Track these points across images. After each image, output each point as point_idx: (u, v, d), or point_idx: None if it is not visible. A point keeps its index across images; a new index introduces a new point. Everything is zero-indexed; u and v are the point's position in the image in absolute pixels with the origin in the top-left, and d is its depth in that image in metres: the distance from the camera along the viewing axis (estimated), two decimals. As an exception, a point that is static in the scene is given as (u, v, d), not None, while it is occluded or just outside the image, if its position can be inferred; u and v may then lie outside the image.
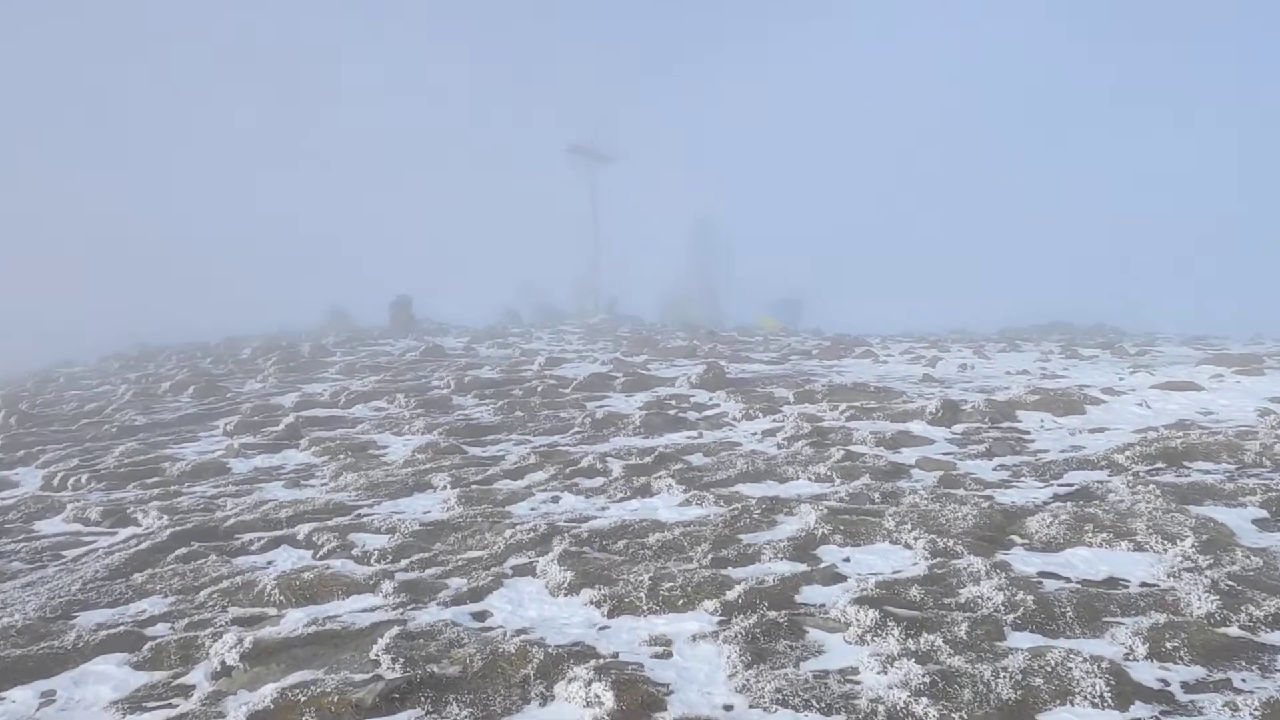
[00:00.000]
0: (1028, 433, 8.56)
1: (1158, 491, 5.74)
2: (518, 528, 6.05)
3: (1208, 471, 6.44)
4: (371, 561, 5.69)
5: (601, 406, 11.68)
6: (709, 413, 10.81)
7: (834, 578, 4.82)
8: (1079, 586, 4.41)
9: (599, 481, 7.42)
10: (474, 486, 7.44)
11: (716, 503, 6.40)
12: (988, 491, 6.29)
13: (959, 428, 8.79)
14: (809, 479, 7.02)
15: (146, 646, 4.51)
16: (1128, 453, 6.91)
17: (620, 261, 63.61)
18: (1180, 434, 7.38)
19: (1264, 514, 5.38)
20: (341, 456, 9.23)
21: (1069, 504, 5.68)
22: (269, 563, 5.85)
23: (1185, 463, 6.70)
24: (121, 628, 4.81)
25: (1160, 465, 6.66)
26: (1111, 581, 4.48)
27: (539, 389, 13.03)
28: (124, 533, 6.90)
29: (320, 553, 5.95)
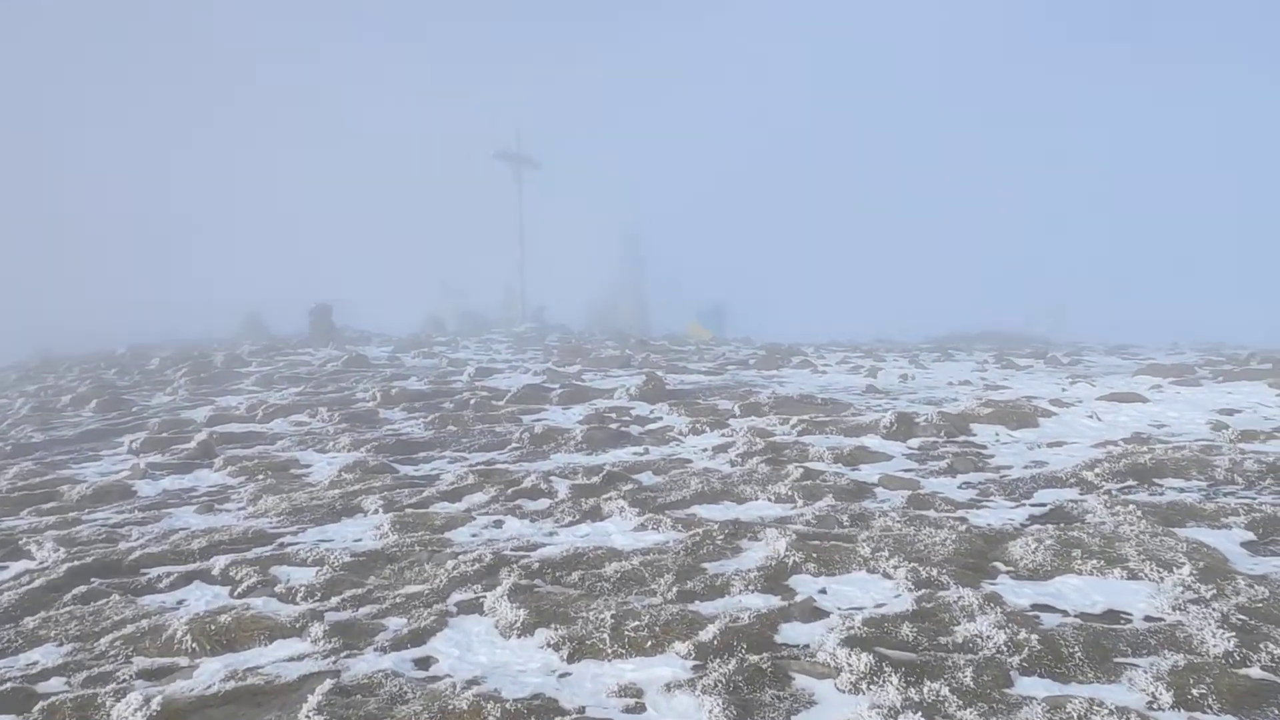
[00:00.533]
0: (985, 447, 8.34)
1: (1139, 513, 5.50)
2: (460, 558, 5.55)
3: (1182, 490, 6.25)
4: (298, 599, 5.13)
5: (539, 420, 11.19)
6: (652, 427, 10.40)
7: (814, 613, 4.44)
8: (1080, 622, 4.10)
9: (544, 504, 6.95)
10: (409, 510, 6.90)
11: (674, 527, 5.99)
12: (960, 513, 5.99)
13: (915, 442, 8.54)
14: (769, 499, 6.65)
15: (37, 708, 3.90)
16: (1097, 469, 6.70)
17: (546, 269, 63.02)
18: (1146, 449, 7.22)
19: (1251, 536, 5.17)
20: (260, 477, 8.59)
21: (1050, 526, 5.40)
22: (180, 602, 5.25)
23: (1156, 480, 6.50)
24: (8, 684, 4.19)
25: (1132, 483, 6.45)
26: (1113, 615, 4.18)
27: (471, 401, 12.49)
28: (15, 567, 6.18)
29: (239, 590, 5.36)
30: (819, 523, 5.86)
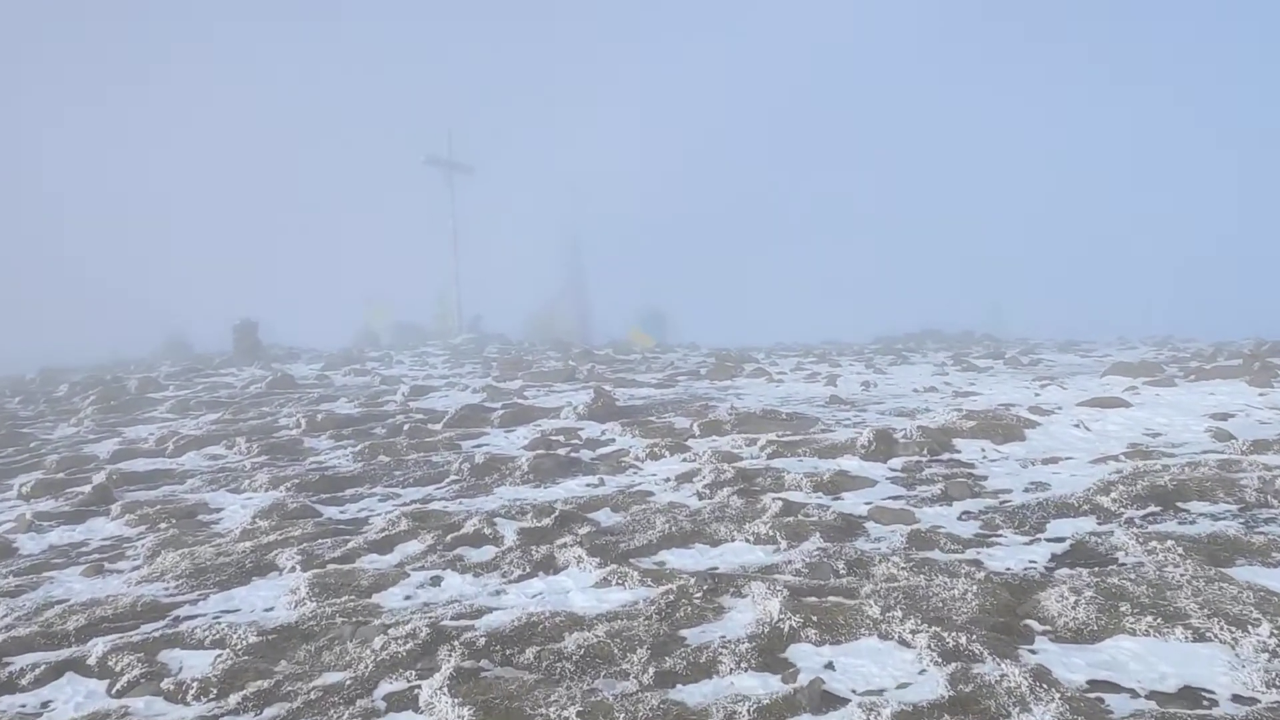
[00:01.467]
0: (974, 466, 7.66)
1: (1179, 549, 4.81)
2: (391, 632, 4.66)
3: (1214, 517, 5.59)
4: (189, 698, 4.20)
5: (480, 446, 10.29)
6: (605, 450, 9.57)
7: (826, 700, 3.65)
8: (1157, 708, 3.36)
9: (489, 553, 6.07)
10: (331, 567, 5.97)
11: (643, 581, 5.16)
12: (971, 553, 5.26)
13: (897, 462, 7.83)
14: (748, 540, 5.86)
15: None
16: (1113, 494, 6.02)
17: (483, 276, 61.79)
18: (1160, 467, 6.59)
19: (1315, 576, 4.51)
20: (163, 526, 7.57)
21: (1082, 571, 4.68)
22: (44, 705, 4.29)
23: (1180, 504, 5.85)
24: None
25: (1155, 508, 5.79)
26: (1192, 695, 3.46)
27: (405, 426, 11.52)
28: None
29: (119, 685, 4.41)
30: (811, 572, 5.07)
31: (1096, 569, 4.70)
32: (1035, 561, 4.99)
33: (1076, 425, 9.05)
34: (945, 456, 8.04)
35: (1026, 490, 6.68)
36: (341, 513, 7.70)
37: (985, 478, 7.18)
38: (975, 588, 4.48)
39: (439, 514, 7.08)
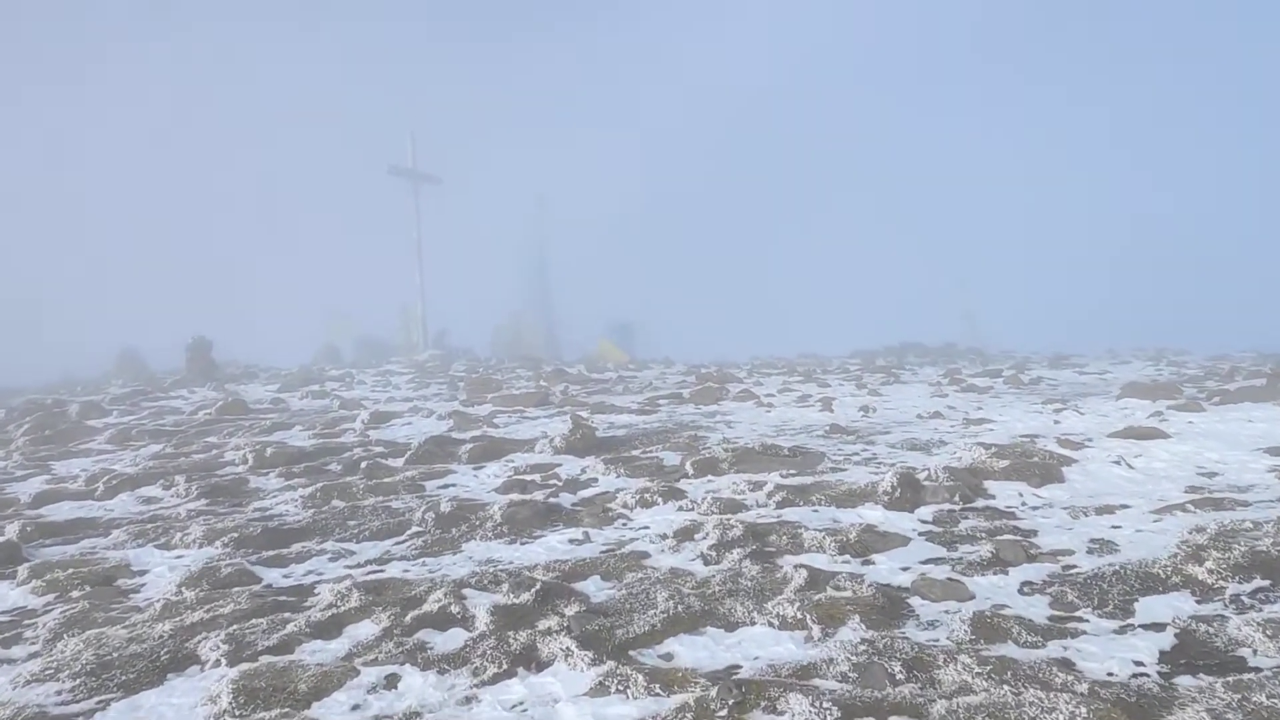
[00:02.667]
0: (1015, 515, 6.73)
1: (1327, 649, 3.88)
2: (330, 772, 3.63)
3: (1343, 594, 4.68)
4: None
5: (446, 488, 9.25)
6: (588, 493, 8.56)
7: None
8: None
9: (458, 639, 5.04)
10: (264, 660, 4.91)
11: (649, 687, 4.15)
12: (1054, 647, 4.29)
13: (926, 512, 6.87)
14: (771, 624, 4.87)
15: None
16: (1207, 564, 5.08)
17: (450, 290, 60.59)
18: (1247, 523, 5.68)
19: None
20: (74, 595, 6.45)
21: (1215, 684, 3.72)
22: None
23: (1291, 575, 4.94)
24: None
25: (1263, 582, 4.86)
26: None
27: (363, 463, 10.42)
28: None
29: None
30: (861, 677, 4.09)
31: (1228, 679, 3.74)
32: (1143, 663, 4.03)
33: (1117, 462, 8.16)
34: (980, 503, 7.10)
35: (1091, 552, 5.73)
36: (285, 576, 6.62)
37: (1034, 533, 6.24)
38: (1083, 710, 3.52)
39: (397, 583, 6.02)
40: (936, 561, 5.73)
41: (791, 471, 8.46)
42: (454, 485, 9.39)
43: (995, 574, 5.43)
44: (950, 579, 5.34)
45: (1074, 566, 5.50)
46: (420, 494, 9.01)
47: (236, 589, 6.27)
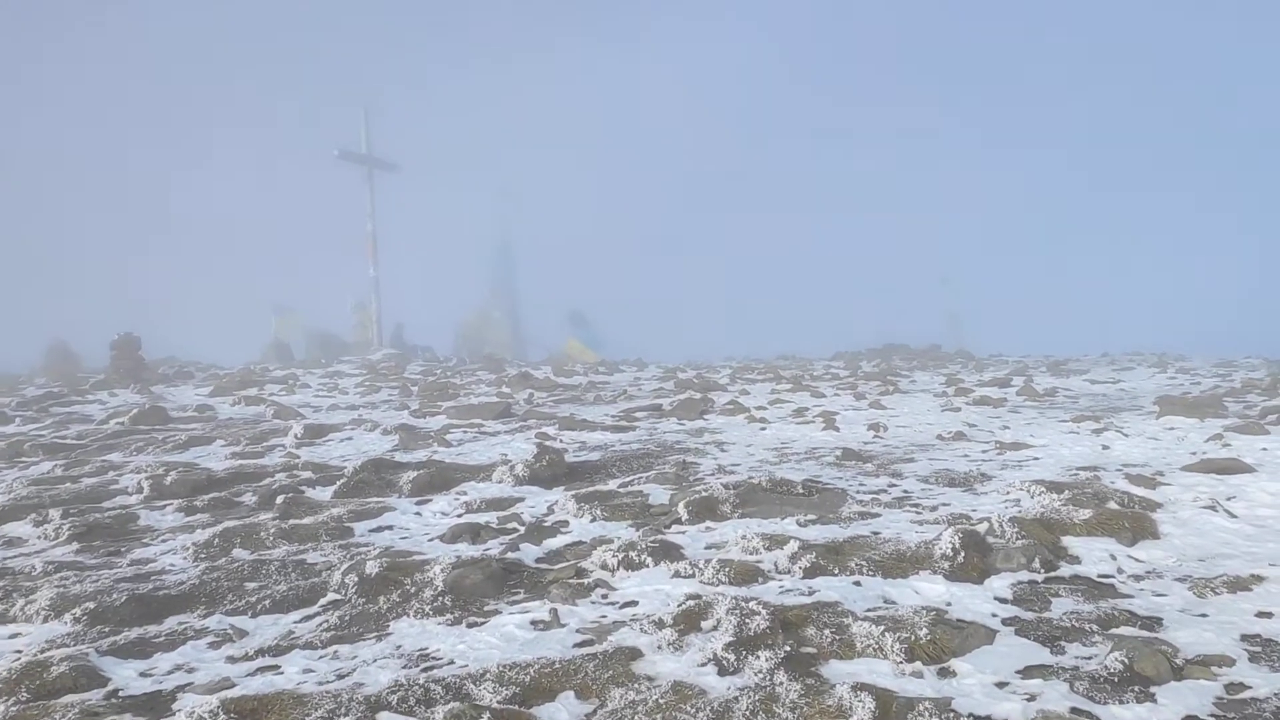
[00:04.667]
0: (1119, 590, 5.18)
1: None
2: None
3: None
4: None
5: (379, 532, 7.60)
6: (556, 543, 6.93)
7: None
8: None
9: (362, 815, 3.41)
10: None
11: None
12: None
13: (1001, 585, 5.31)
14: (836, 802, 3.28)
15: None
16: None
17: (407, 284, 58.62)
18: None
19: None
20: None
21: None
22: None
23: None
24: None
25: None
26: None
27: (281, 496, 8.70)
28: None
29: None
30: None
31: None
32: None
33: (1212, 508, 6.66)
34: (1065, 570, 5.55)
35: (1255, 660, 4.19)
36: (141, 676, 4.93)
37: (1158, 621, 4.70)
38: None
39: (287, 701, 4.36)
40: (1044, 673, 4.16)
41: (811, 518, 6.88)
42: (390, 529, 7.73)
43: (1138, 700, 3.87)
44: (1077, 713, 3.77)
45: (1244, 687, 3.96)
46: (346, 541, 7.34)
47: (66, 699, 4.58)
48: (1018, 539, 5.87)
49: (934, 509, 7.03)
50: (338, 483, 9.28)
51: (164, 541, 7.75)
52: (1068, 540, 6.00)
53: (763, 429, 12.01)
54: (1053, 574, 5.49)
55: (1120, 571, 5.53)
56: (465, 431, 12.87)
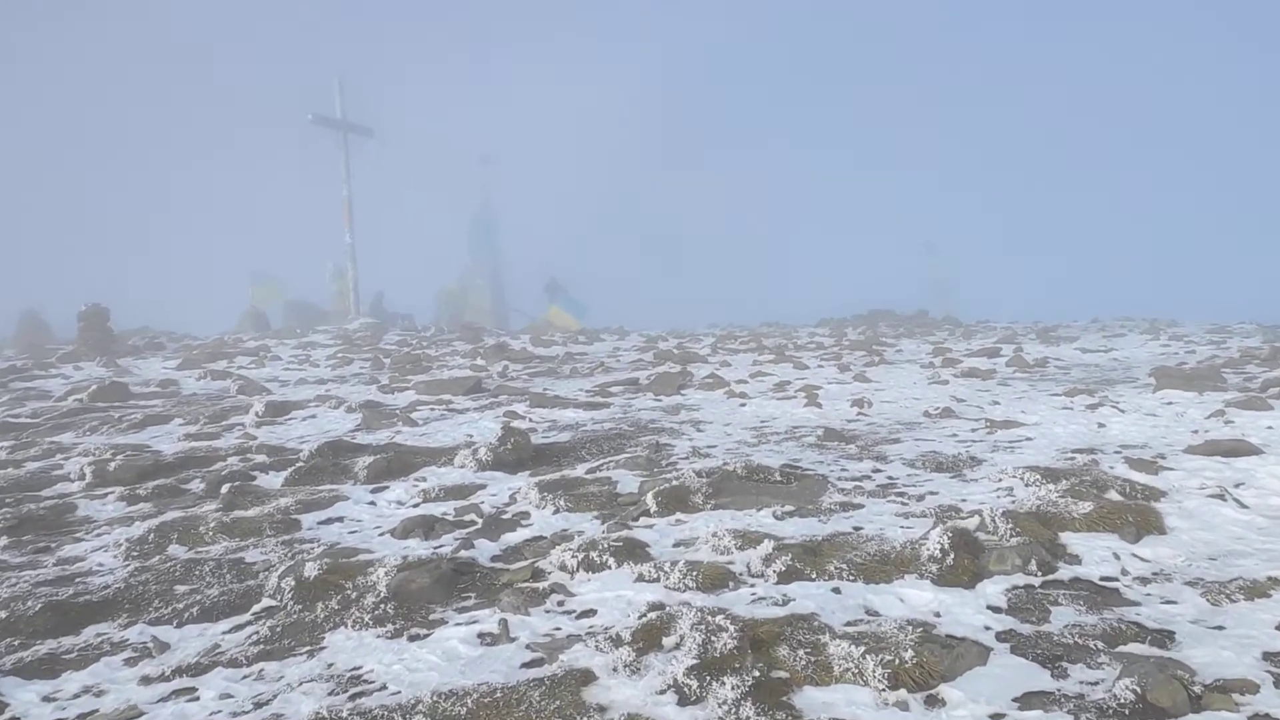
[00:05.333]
0: (1124, 597, 4.71)
1: None
2: None
3: None
4: None
5: (328, 524, 7.10)
6: (515, 538, 6.43)
7: None
8: None
9: None
10: None
11: None
12: None
13: (995, 591, 4.83)
14: None
15: None
16: None
17: (387, 250, 57.77)
18: None
19: None
20: None
21: None
22: None
23: None
24: None
25: None
26: None
27: (225, 487, 8.16)
28: None
29: None
30: None
31: None
32: None
33: (1219, 496, 6.21)
34: (1064, 572, 5.08)
35: (1283, 686, 3.74)
36: (44, 701, 4.43)
37: (1170, 636, 4.23)
38: None
39: (196, 736, 3.87)
40: (1045, 702, 3.70)
41: (789, 509, 6.40)
42: (340, 521, 7.22)
43: (1157, 741, 3.41)
44: (1087, 754, 3.30)
45: (1270, 719, 3.50)
46: (291, 536, 6.83)
47: (-51, 739, 4.08)
48: (1012, 536, 5.41)
49: (921, 499, 6.55)
50: (291, 468, 8.76)
51: (98, 536, 7.23)
52: (1066, 537, 5.53)
53: (742, 405, 11.52)
54: (1051, 577, 5.02)
55: (1125, 573, 5.06)
56: (433, 409, 12.34)
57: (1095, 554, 5.30)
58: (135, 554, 6.59)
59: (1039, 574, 5.02)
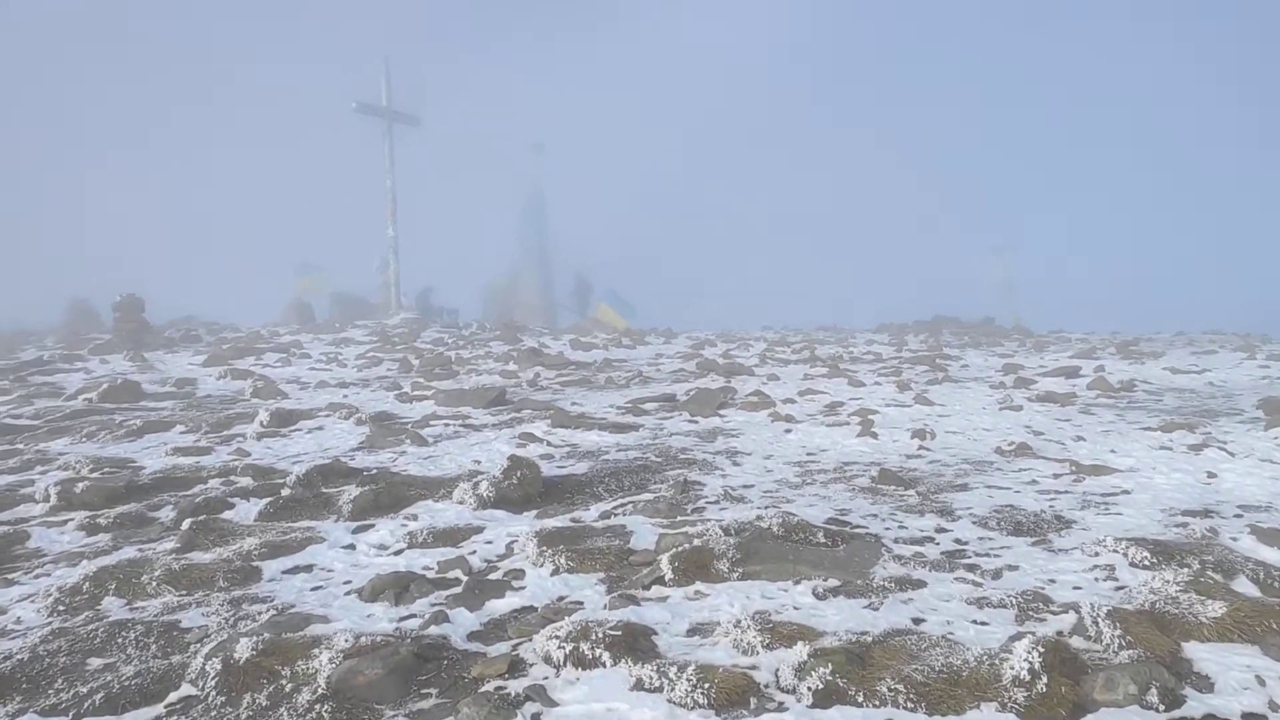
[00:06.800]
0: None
1: None
2: None
3: None
4: None
5: (292, 574, 6.11)
6: (501, 607, 5.37)
7: None
8: None
9: None
10: None
11: None
12: None
13: (1104, 734, 3.68)
14: None
15: None
16: None
17: (436, 243, 57.23)
18: None
19: None
20: None
21: None
22: None
23: None
24: None
25: None
26: None
27: (190, 521, 7.21)
28: None
29: None
30: None
31: None
32: None
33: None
34: (1193, 706, 3.89)
35: None
36: None
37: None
38: None
39: None
40: None
41: (833, 584, 5.26)
42: (307, 571, 6.22)
43: None
44: None
45: None
46: (244, 591, 5.85)
47: None
48: (1121, 647, 4.22)
49: (997, 575, 5.37)
50: (271, 498, 7.81)
51: (36, 578, 6.33)
52: (1192, 649, 4.33)
53: (788, 432, 10.35)
54: (1177, 713, 3.83)
55: (1275, 707, 3.86)
56: (447, 424, 11.34)
57: (1232, 677, 4.09)
58: (62, 608, 5.66)
59: (1161, 707, 3.84)
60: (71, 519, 7.65)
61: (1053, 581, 5.22)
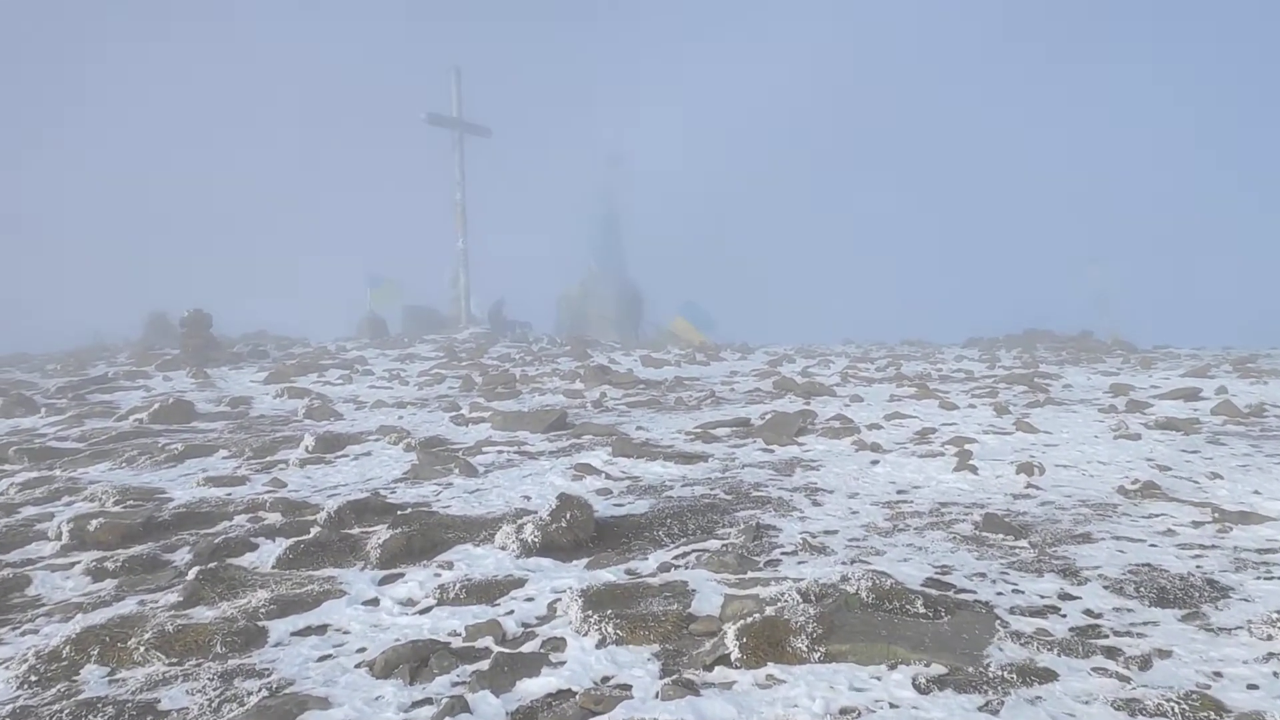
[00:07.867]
0: None
1: None
2: None
3: None
4: None
5: (301, 638, 5.33)
6: (532, 689, 4.50)
7: None
8: None
9: None
10: None
11: None
12: None
13: None
14: None
15: None
16: None
17: (512, 256, 57.05)
18: None
19: None
20: None
21: None
22: None
23: None
24: None
25: None
26: None
27: (203, 566, 6.51)
28: None
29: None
30: None
31: None
32: None
33: None
34: None
35: None
36: None
37: None
38: None
39: None
40: None
41: (938, 673, 4.29)
42: (319, 633, 5.44)
43: None
44: None
45: None
46: (241, 660, 5.08)
47: None
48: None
49: (1145, 665, 4.33)
50: (295, 538, 7.07)
51: (22, 635, 5.67)
52: None
53: (874, 464, 9.32)
54: None
55: None
56: (501, 451, 10.55)
57: None
58: (34, 679, 4.95)
59: None
60: (79, 561, 7.02)
61: (1219, 675, 4.17)
